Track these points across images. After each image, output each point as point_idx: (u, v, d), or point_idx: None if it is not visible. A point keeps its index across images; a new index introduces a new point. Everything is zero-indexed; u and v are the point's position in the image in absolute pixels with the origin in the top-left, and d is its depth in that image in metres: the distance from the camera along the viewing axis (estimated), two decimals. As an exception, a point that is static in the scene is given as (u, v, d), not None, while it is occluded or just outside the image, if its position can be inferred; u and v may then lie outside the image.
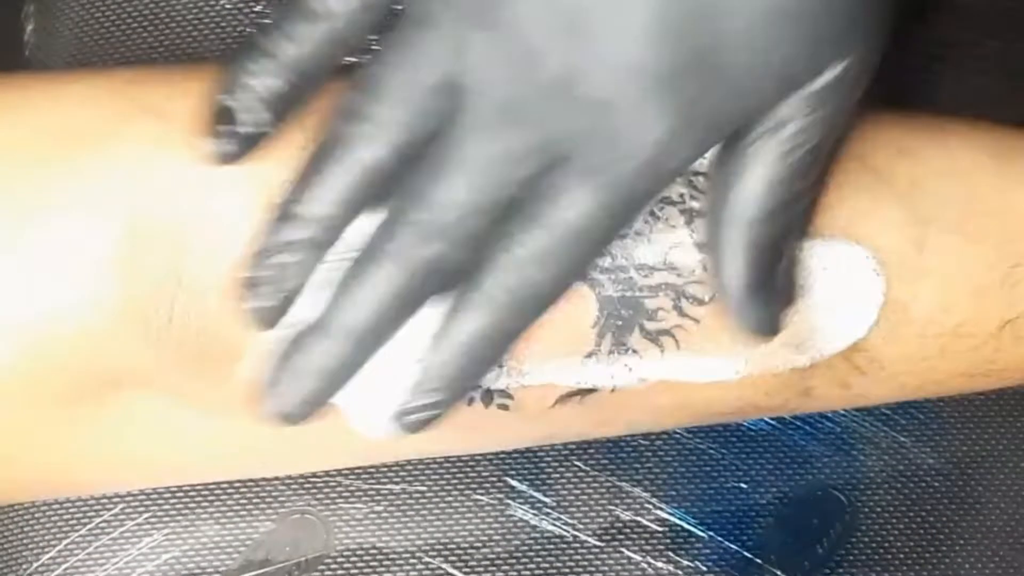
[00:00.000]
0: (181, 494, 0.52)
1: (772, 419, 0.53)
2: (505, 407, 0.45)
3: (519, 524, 0.52)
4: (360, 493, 0.52)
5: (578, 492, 0.52)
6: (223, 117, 0.42)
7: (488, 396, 0.45)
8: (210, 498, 0.52)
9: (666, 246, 0.44)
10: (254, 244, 0.42)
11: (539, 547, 0.52)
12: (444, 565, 0.52)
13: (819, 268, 0.45)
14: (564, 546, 0.52)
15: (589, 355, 0.44)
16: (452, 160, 0.40)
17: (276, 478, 0.52)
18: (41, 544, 0.52)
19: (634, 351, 0.45)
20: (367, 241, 0.42)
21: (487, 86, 0.40)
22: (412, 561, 0.51)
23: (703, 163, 0.43)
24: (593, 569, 0.52)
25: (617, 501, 0.52)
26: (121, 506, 0.52)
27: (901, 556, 0.52)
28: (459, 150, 0.40)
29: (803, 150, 0.41)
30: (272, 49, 0.42)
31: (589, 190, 0.40)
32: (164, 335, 0.43)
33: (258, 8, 0.56)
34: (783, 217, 0.42)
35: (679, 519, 0.52)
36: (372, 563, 0.52)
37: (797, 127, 0.41)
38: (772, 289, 0.43)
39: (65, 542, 0.52)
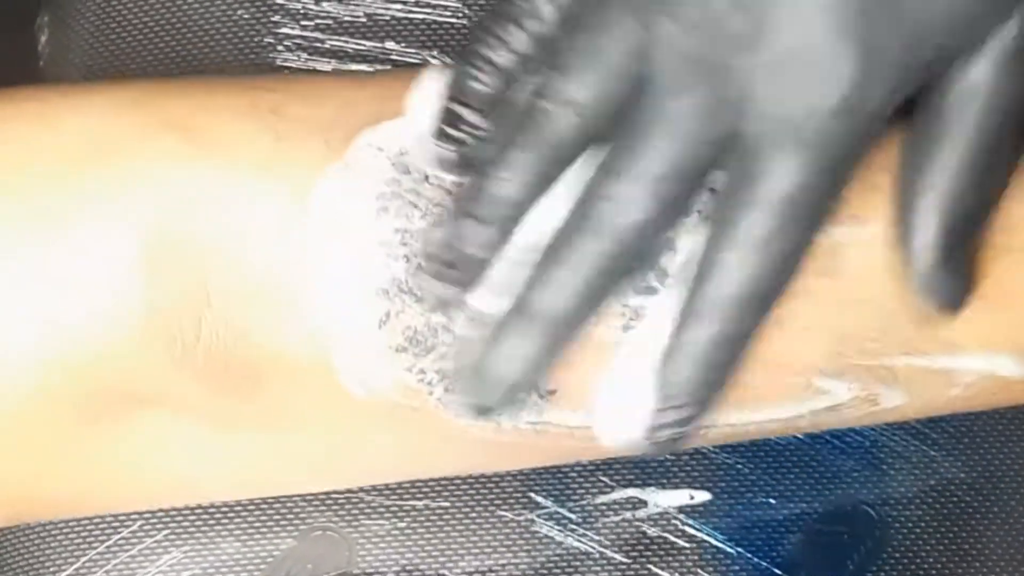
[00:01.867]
0: (201, 511, 0.51)
1: (801, 434, 0.52)
2: (535, 426, 0.44)
3: (544, 540, 0.51)
4: (383, 510, 0.51)
5: (604, 508, 0.51)
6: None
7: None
8: (230, 515, 0.51)
9: None
10: (438, 225, 0.41)
11: (565, 564, 0.51)
12: (469, 583, 0.51)
13: None
14: (591, 563, 0.51)
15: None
16: (647, 125, 0.40)
17: (298, 494, 0.51)
18: (58, 562, 0.51)
19: None
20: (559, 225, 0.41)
21: (675, 48, 0.40)
22: (436, 579, 0.51)
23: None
24: (620, 586, 0.51)
25: (643, 517, 0.51)
26: (140, 523, 0.51)
27: (933, 572, 0.51)
28: (653, 113, 0.40)
29: (1002, 115, 0.41)
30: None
31: (792, 150, 0.39)
32: (191, 353, 0.43)
33: (275, 18, 0.56)
34: (980, 188, 0.41)
35: (707, 535, 0.51)
36: (395, 581, 0.51)
37: (993, 88, 0.40)
38: (962, 264, 0.42)
39: (83, 559, 0.51)
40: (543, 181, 0.41)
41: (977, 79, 0.41)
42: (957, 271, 0.42)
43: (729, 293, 0.40)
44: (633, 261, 0.41)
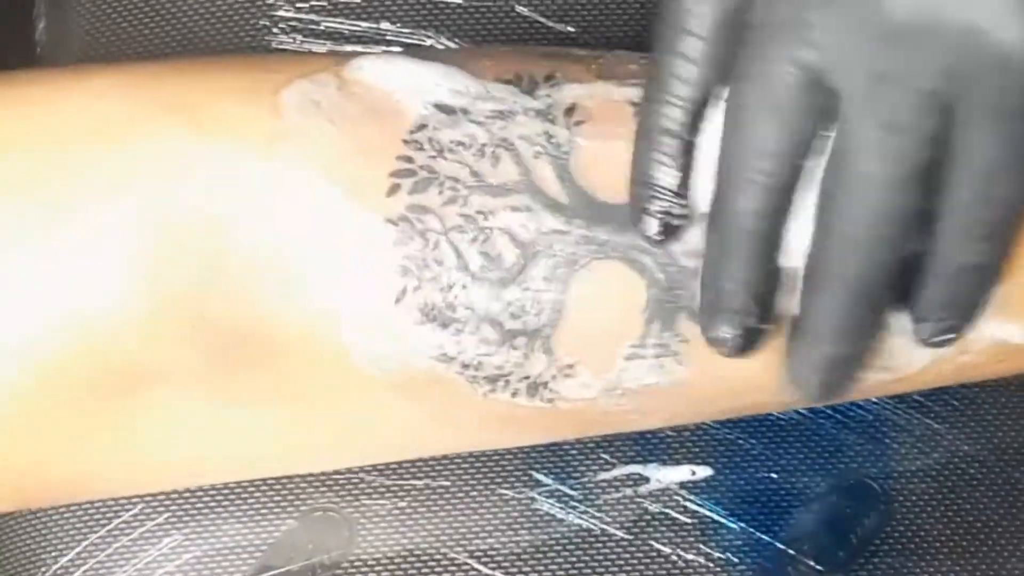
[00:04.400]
0: (201, 493, 0.51)
1: (803, 408, 0.52)
2: (551, 401, 0.43)
3: (545, 518, 0.51)
4: (383, 489, 0.51)
5: (605, 485, 0.51)
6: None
7: (533, 389, 0.43)
8: (231, 497, 0.51)
9: None
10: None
11: (566, 541, 0.51)
12: (470, 560, 0.51)
13: None
14: (592, 539, 0.51)
15: (638, 342, 0.43)
16: (852, 142, 0.39)
17: (298, 475, 0.51)
18: (60, 547, 0.51)
19: (684, 339, 0.43)
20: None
21: (854, 61, 0.39)
22: (437, 557, 0.50)
23: None
24: (622, 563, 0.50)
25: (645, 493, 0.51)
26: (140, 506, 0.51)
27: (938, 544, 0.51)
28: (853, 130, 0.39)
29: None
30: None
31: (993, 128, 0.39)
32: (200, 332, 0.43)
33: (270, 0, 0.56)
34: None
35: (709, 511, 0.51)
36: (396, 560, 0.51)
37: None
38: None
39: (84, 544, 0.51)
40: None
41: None
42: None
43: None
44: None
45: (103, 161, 0.42)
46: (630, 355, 0.43)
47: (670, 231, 0.42)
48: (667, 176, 0.41)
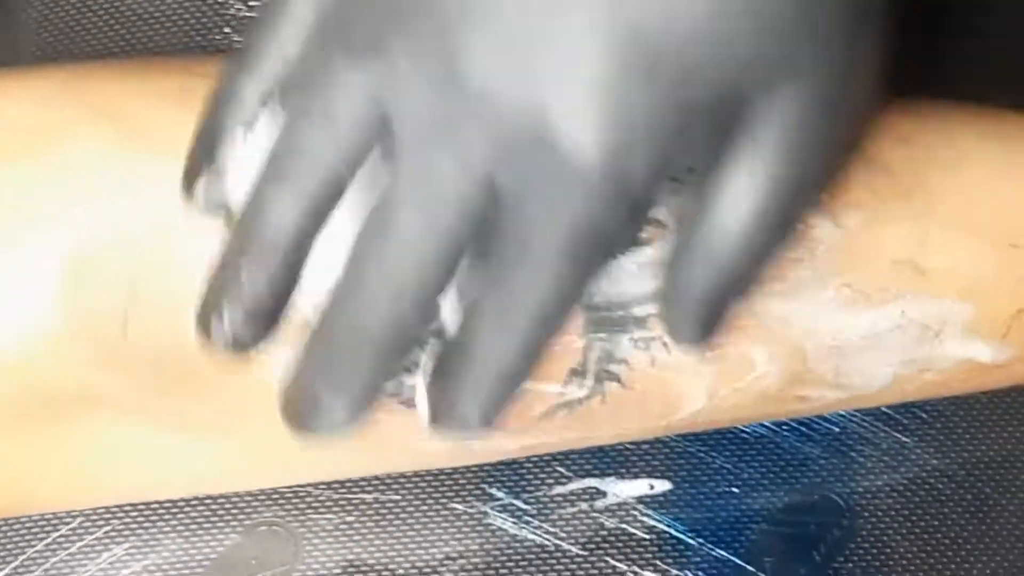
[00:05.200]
0: (143, 506, 0.49)
1: (768, 421, 0.50)
2: None
3: (498, 534, 0.49)
4: (331, 503, 0.49)
5: (560, 499, 0.49)
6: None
7: None
8: (173, 510, 0.49)
9: (656, 252, 0.41)
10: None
11: (519, 557, 0.49)
12: (419, 578, 0.49)
13: None
14: (546, 555, 0.49)
15: (576, 368, 0.42)
16: (396, 191, 0.36)
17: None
18: (-3, 561, 0.50)
19: (624, 361, 0.42)
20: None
21: (414, 108, 0.35)
22: (385, 573, 0.49)
23: None
24: (576, 580, 0.49)
25: (601, 508, 0.49)
26: (80, 519, 0.49)
27: (904, 562, 0.49)
28: (399, 178, 0.36)
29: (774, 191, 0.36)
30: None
31: (540, 228, 0.35)
32: (125, 355, 0.41)
33: None
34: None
35: (667, 526, 0.49)
36: (342, 576, 0.49)
37: (768, 155, 0.36)
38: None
39: (21, 558, 0.49)
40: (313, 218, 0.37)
41: (753, 138, 0.36)
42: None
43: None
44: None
45: (17, 176, 0.41)
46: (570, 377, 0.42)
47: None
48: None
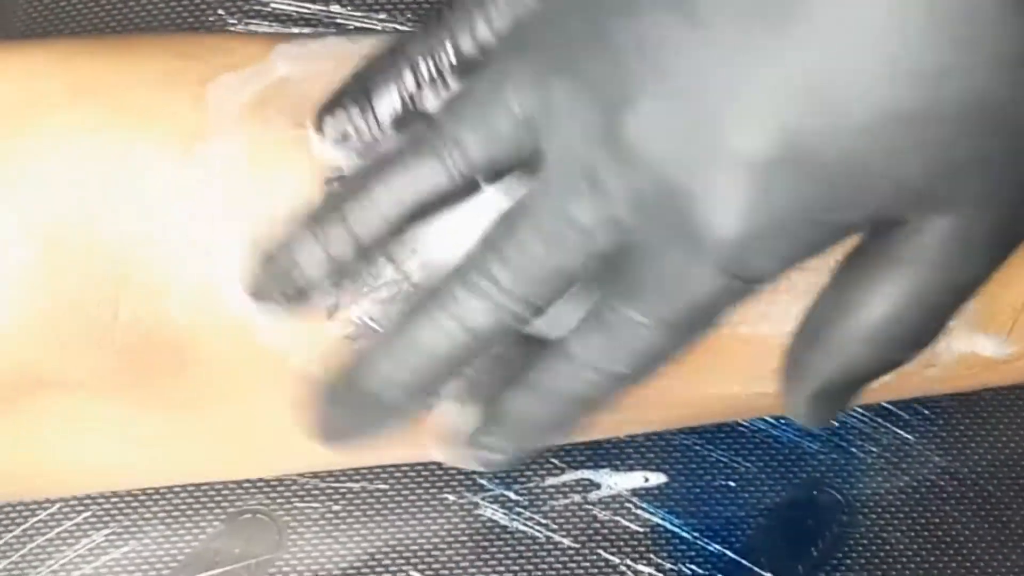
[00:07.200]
0: (124, 492, 0.48)
1: (767, 415, 0.49)
2: None
3: (488, 525, 0.48)
4: (317, 492, 0.48)
5: (552, 490, 0.48)
6: None
7: None
8: (154, 497, 0.48)
9: None
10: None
11: (509, 549, 0.48)
12: (407, 568, 0.48)
13: None
14: (537, 547, 0.48)
15: None
16: (532, 208, 0.37)
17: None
18: (-27, 547, 0.48)
19: None
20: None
21: (563, 142, 0.36)
22: (371, 563, 0.47)
23: None
24: (568, 572, 0.48)
25: (595, 500, 0.48)
26: (59, 505, 0.48)
27: (904, 560, 0.48)
28: (537, 197, 0.37)
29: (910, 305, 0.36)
30: None
31: (654, 287, 0.36)
32: (107, 338, 0.40)
33: (215, -21, 0.53)
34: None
35: (661, 519, 0.48)
36: (328, 566, 0.48)
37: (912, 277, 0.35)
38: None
39: (-2, 544, 0.48)
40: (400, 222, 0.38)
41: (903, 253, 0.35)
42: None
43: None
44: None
45: (1, 149, 0.40)
46: None
47: None
48: None
